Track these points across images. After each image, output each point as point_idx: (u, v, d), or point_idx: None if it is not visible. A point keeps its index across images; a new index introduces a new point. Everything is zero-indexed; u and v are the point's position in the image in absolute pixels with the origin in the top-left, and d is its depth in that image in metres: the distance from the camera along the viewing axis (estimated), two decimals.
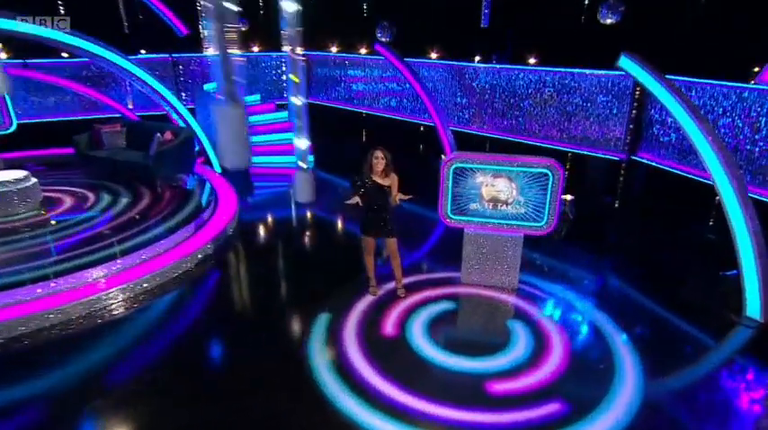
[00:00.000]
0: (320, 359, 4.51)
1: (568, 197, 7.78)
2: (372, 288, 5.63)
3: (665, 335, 5.07)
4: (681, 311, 5.42)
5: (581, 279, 6.17)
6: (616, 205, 9.01)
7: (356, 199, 5.13)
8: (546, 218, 5.41)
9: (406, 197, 5.16)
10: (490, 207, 5.51)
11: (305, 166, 6.57)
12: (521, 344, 4.77)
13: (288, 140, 10.80)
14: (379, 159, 5.05)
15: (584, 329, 5.13)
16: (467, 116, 11.42)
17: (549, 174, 5.23)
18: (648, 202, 9.00)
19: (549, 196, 5.32)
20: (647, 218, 8.35)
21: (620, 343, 4.82)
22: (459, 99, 11.46)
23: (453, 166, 5.45)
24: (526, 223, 5.49)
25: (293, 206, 9.02)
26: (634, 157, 9.06)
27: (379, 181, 5.08)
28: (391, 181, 5.12)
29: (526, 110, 10.32)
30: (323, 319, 5.12)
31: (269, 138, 10.79)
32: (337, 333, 4.90)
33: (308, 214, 8.27)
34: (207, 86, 11.29)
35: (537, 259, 6.54)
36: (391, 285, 5.70)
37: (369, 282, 5.64)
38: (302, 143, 6.43)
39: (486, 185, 5.45)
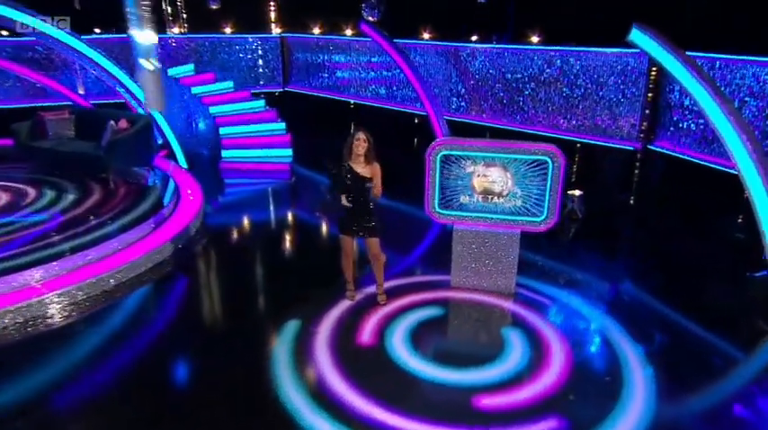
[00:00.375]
0: (285, 370, 4.40)
1: (577, 193, 7.68)
2: (350, 292, 5.53)
3: (683, 345, 4.96)
4: (703, 318, 5.31)
5: (588, 282, 6.07)
6: (631, 200, 8.93)
7: (343, 199, 5.00)
8: (546, 212, 5.30)
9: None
10: (482, 200, 5.40)
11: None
12: (516, 355, 4.65)
13: (264, 132, 10.72)
14: (360, 141, 4.95)
15: (590, 338, 5.02)
16: (464, 104, 11.35)
17: (549, 161, 5.12)
18: (667, 196, 8.92)
19: (549, 187, 5.20)
20: (666, 214, 8.28)
21: (631, 353, 4.69)
22: (454, 85, 11.39)
23: (440, 154, 5.33)
24: (523, 218, 5.38)
25: (271, 205, 8.95)
26: (650, 147, 8.99)
27: (359, 170, 4.97)
28: (373, 171, 5.00)
29: (529, 95, 10.26)
30: (293, 327, 5.02)
31: (242, 129, 10.67)
32: (307, 341, 4.79)
33: (288, 214, 8.17)
34: (172, 71, 11.19)
35: (539, 261, 6.43)
36: (372, 289, 5.59)
37: (347, 285, 5.54)
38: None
39: (478, 176, 5.33)
